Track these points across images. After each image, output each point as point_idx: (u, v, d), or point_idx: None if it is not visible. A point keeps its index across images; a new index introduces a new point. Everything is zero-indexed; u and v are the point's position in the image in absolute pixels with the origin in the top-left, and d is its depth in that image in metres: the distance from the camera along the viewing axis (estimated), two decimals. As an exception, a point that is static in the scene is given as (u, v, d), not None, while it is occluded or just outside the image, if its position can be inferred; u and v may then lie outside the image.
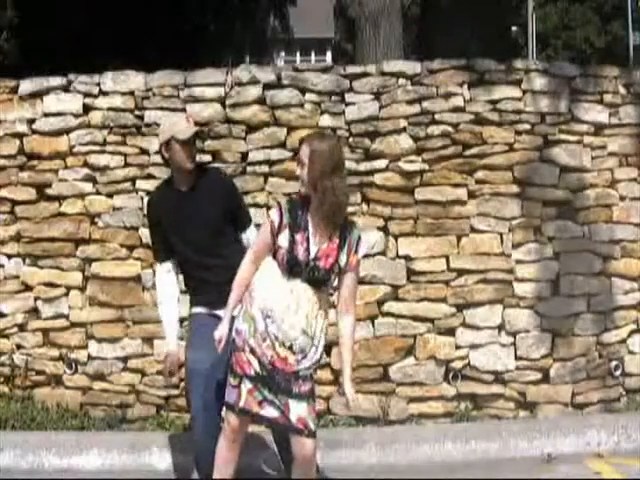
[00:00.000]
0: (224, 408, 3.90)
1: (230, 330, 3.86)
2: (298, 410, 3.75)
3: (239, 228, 4.41)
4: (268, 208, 5.61)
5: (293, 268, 3.74)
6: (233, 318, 3.90)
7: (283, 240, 3.77)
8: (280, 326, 3.72)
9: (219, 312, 4.13)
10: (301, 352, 3.76)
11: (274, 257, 3.83)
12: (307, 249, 3.75)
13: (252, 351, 3.77)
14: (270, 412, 3.77)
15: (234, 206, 4.42)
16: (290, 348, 3.74)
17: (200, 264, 4.26)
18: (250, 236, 4.39)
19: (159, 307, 4.45)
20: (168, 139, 4.30)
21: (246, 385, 3.77)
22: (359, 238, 3.85)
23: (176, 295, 4.39)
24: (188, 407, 4.41)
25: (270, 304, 3.75)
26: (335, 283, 3.92)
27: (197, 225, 4.24)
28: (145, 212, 4.76)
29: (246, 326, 3.79)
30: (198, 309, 4.33)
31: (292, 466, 3.92)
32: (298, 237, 3.75)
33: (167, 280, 4.38)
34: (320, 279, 3.77)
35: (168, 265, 4.38)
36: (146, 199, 5.71)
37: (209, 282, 4.24)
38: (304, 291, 3.75)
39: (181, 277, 4.45)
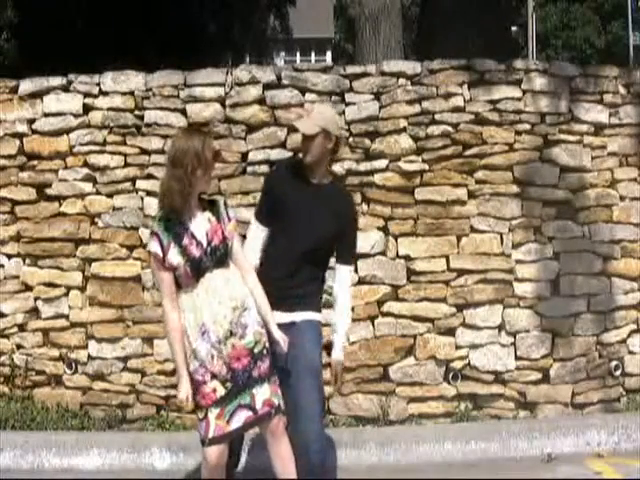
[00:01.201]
0: (201, 445, 3.85)
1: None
2: (262, 394, 3.81)
3: (339, 258, 4.22)
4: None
5: (198, 268, 3.79)
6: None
7: (173, 258, 3.78)
8: (214, 330, 3.76)
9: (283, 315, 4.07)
10: (240, 326, 3.80)
11: (177, 285, 3.82)
12: (198, 243, 3.81)
13: (213, 376, 3.78)
14: (238, 420, 3.79)
15: (349, 233, 4.25)
16: (231, 334, 3.77)
17: (289, 265, 4.09)
18: (343, 275, 4.23)
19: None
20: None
21: (212, 413, 3.77)
22: (226, 205, 3.97)
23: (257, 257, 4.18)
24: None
25: (200, 319, 3.78)
26: None
27: (314, 223, 4.07)
28: (269, 174, 4.67)
29: (196, 363, 3.79)
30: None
31: (272, 458, 3.91)
32: (185, 241, 3.81)
33: (254, 240, 4.19)
34: (223, 253, 3.85)
35: (261, 229, 4.19)
36: (147, 199, 5.74)
37: (283, 283, 4.08)
38: (214, 278, 3.81)
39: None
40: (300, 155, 4.26)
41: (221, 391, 3.78)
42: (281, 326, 3.97)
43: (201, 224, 3.86)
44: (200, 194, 3.90)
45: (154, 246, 3.81)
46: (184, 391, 3.79)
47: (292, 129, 5.69)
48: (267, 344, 3.88)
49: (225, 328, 3.78)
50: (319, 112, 4.23)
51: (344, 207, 4.23)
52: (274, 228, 4.17)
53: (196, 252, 3.80)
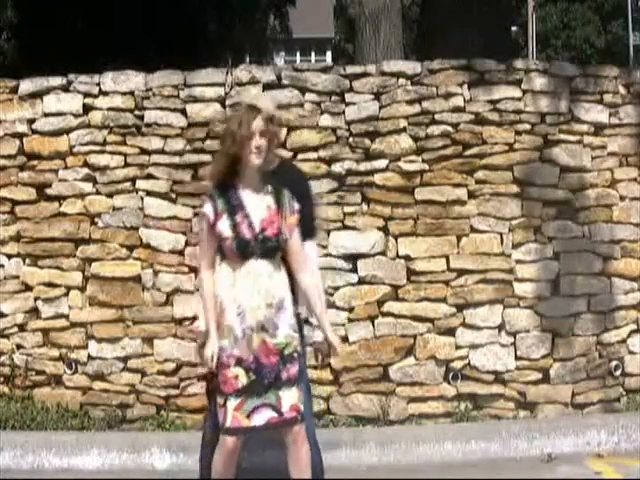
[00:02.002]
0: (220, 429, 3.84)
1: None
2: (290, 398, 3.76)
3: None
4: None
5: (244, 249, 3.76)
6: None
7: (223, 227, 3.77)
8: (250, 314, 3.73)
9: None
10: (272, 325, 3.76)
11: (221, 253, 3.82)
12: (250, 225, 3.78)
13: (238, 362, 3.76)
14: (261, 418, 3.75)
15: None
16: (263, 328, 3.74)
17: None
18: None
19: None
20: None
21: (232, 403, 3.74)
22: (290, 199, 3.90)
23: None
24: (209, 404, 4.34)
25: (239, 299, 3.76)
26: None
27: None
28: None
29: (226, 341, 3.78)
30: None
31: (289, 462, 3.90)
32: (238, 218, 3.78)
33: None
34: (273, 247, 3.81)
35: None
36: (146, 199, 5.75)
37: None
38: (259, 266, 3.77)
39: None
40: None
41: (243, 380, 3.74)
42: None
43: (259, 208, 3.82)
44: (265, 174, 3.84)
45: (207, 207, 3.80)
46: (210, 349, 3.76)
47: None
48: (299, 348, 3.84)
49: (258, 319, 3.74)
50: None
51: (295, 183, 4.14)
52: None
53: (247, 233, 3.76)
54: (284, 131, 5.75)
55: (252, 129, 3.77)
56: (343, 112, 5.78)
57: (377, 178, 5.76)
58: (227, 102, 5.78)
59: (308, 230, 4.10)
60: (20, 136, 5.87)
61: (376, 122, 5.77)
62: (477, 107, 5.80)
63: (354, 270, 5.74)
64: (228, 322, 3.77)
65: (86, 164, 5.82)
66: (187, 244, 5.71)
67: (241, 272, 3.78)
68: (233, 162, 3.81)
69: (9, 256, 5.89)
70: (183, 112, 5.77)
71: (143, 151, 5.80)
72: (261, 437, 4.27)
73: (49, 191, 5.85)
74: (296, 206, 3.90)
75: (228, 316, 3.77)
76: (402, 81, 5.81)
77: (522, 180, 5.82)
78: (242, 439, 3.83)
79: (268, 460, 4.54)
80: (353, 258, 5.74)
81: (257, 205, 3.83)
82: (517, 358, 5.79)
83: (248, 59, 17.20)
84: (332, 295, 5.67)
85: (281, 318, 3.79)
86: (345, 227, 5.75)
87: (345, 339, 5.65)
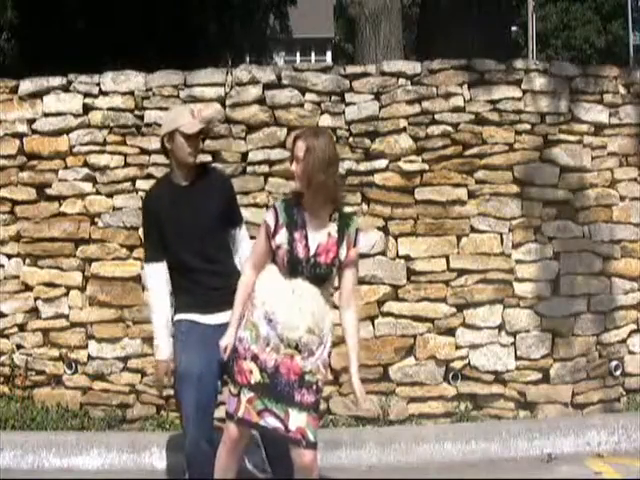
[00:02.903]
0: (225, 416, 3.89)
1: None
2: (298, 420, 3.73)
3: (232, 225, 4.37)
4: (268, 208, 5.62)
5: (294, 267, 3.75)
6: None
7: (282, 240, 3.78)
8: (284, 327, 3.72)
9: (207, 317, 4.14)
10: (308, 350, 3.75)
11: (274, 260, 3.83)
12: (306, 246, 3.76)
13: (254, 358, 3.76)
14: (270, 422, 3.75)
15: (231, 201, 4.42)
16: (296, 347, 3.74)
17: (194, 265, 4.17)
18: (241, 235, 4.39)
19: (151, 310, 4.31)
20: (172, 130, 4.25)
21: (245, 395, 3.76)
22: (357, 231, 3.86)
23: (168, 297, 4.26)
24: (178, 410, 4.38)
25: (272, 307, 3.75)
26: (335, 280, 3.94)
27: (195, 220, 4.18)
28: (142, 207, 4.60)
29: (247, 333, 3.80)
30: (185, 315, 4.21)
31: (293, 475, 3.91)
32: (296, 235, 3.77)
33: (160, 282, 4.25)
34: (322, 275, 3.78)
35: (160, 266, 4.25)
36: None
37: (201, 285, 4.17)
38: (307, 289, 3.75)
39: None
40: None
41: (257, 377, 3.74)
42: (220, 327, 3.99)
43: (319, 233, 3.79)
44: (333, 201, 3.82)
45: (269, 217, 3.82)
46: (226, 340, 3.82)
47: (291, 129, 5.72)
48: (321, 384, 3.81)
49: (293, 337, 3.72)
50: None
51: (218, 184, 4.38)
52: (166, 253, 4.23)
53: (300, 252, 3.75)
54: (284, 131, 5.76)
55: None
56: (343, 112, 5.78)
57: (377, 178, 5.76)
58: (227, 102, 5.78)
59: (238, 220, 4.42)
60: (20, 136, 5.87)
61: (376, 122, 5.77)
62: (477, 107, 5.80)
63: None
64: (254, 319, 3.78)
65: (86, 164, 5.82)
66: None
67: (284, 284, 3.77)
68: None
69: (9, 256, 5.89)
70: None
71: (143, 151, 5.80)
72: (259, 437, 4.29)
73: (49, 191, 5.85)
74: (360, 240, 3.88)
75: (255, 314, 3.78)
76: (402, 81, 5.81)
77: (522, 180, 5.82)
78: (248, 435, 3.84)
79: (267, 460, 4.53)
80: (353, 258, 5.74)
81: (318, 230, 3.80)
82: (517, 358, 5.79)
83: (248, 59, 17.21)
84: (332, 295, 5.66)
85: (317, 348, 3.78)
86: (345, 227, 5.74)
87: (344, 339, 5.64)
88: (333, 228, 3.82)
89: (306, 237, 3.77)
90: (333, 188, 3.77)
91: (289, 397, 3.73)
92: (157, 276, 4.27)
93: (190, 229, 4.18)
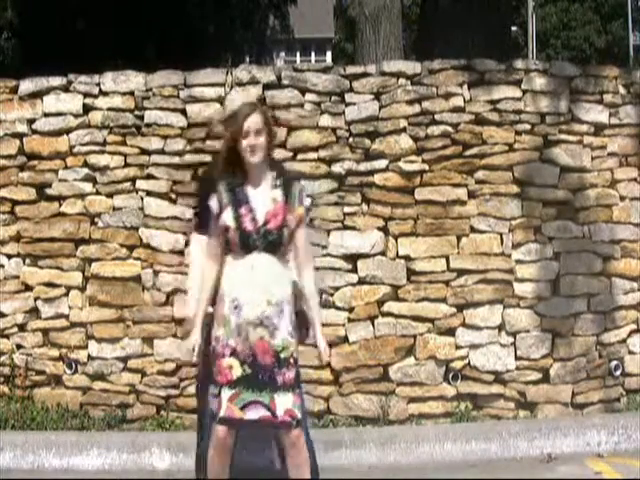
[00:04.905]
0: (211, 418, 3.89)
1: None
2: (285, 402, 3.76)
3: None
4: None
5: (246, 241, 3.78)
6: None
7: (228, 219, 3.81)
8: (247, 309, 3.74)
9: None
10: (271, 325, 3.75)
11: (226, 242, 3.84)
12: (254, 219, 3.80)
13: (233, 352, 3.77)
14: (255, 413, 3.76)
15: None
16: (261, 324, 3.74)
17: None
18: None
19: (189, 277, 4.35)
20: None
21: (226, 393, 3.76)
22: (301, 191, 3.92)
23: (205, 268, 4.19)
24: (199, 406, 4.36)
25: (235, 293, 3.78)
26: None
27: None
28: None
29: (222, 330, 3.80)
30: None
31: (289, 465, 3.91)
32: (242, 210, 3.81)
33: (199, 252, 4.24)
34: (274, 241, 3.81)
35: (203, 238, 4.21)
36: (146, 199, 5.75)
37: None
38: (263, 262, 3.78)
39: None
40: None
41: (237, 371, 3.75)
42: None
43: (264, 201, 3.84)
44: (275, 169, 3.89)
45: (213, 201, 3.86)
46: (192, 341, 3.84)
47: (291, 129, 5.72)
48: (296, 354, 3.83)
49: (257, 315, 3.74)
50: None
51: None
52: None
53: (249, 225, 3.79)
54: (284, 131, 5.76)
55: (246, 127, 3.81)
56: (343, 112, 5.78)
57: (377, 178, 5.76)
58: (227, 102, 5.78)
59: None
60: (20, 136, 5.87)
61: (376, 122, 5.77)
62: (477, 107, 5.80)
63: (354, 270, 5.74)
64: (225, 312, 3.79)
65: (86, 164, 5.82)
66: (187, 244, 5.70)
67: (242, 265, 3.80)
68: (232, 157, 3.85)
69: (9, 256, 5.89)
70: (183, 112, 5.78)
71: (143, 151, 5.79)
72: (260, 437, 4.29)
73: (49, 191, 5.85)
74: (305, 200, 3.93)
75: (225, 307, 3.79)
76: (402, 81, 5.81)
77: (522, 180, 5.82)
78: (234, 433, 3.84)
79: (266, 460, 4.53)
80: (353, 258, 5.74)
81: (263, 199, 3.85)
82: (517, 358, 5.79)
83: (248, 59, 17.20)
84: (332, 295, 5.68)
85: (280, 319, 3.78)
86: (345, 227, 5.75)
87: (345, 339, 5.65)
88: (278, 193, 3.86)
89: (251, 210, 3.82)
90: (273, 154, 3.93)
91: (272, 382, 3.75)
92: (198, 247, 4.28)
93: None
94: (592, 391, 5.89)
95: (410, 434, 5.44)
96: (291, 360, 3.80)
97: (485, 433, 5.42)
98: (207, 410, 4.13)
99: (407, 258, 5.76)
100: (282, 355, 3.77)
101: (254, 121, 3.83)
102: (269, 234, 3.79)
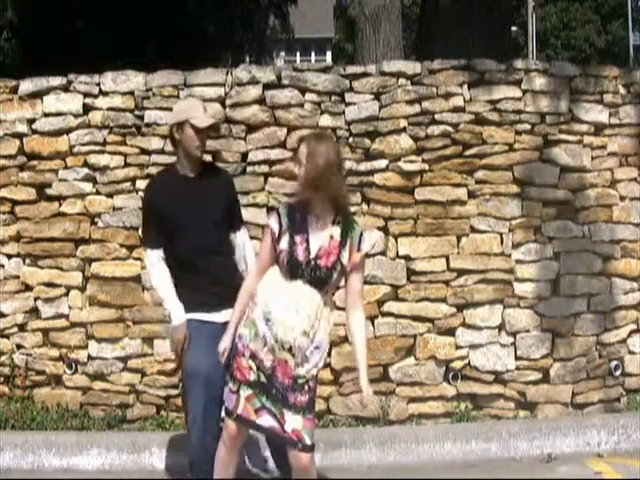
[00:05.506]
0: (223, 413, 3.91)
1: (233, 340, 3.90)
2: (293, 422, 3.75)
3: (233, 227, 4.38)
4: (268, 208, 5.63)
5: (294, 269, 3.76)
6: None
7: (284, 244, 3.80)
8: (279, 327, 3.72)
9: (214, 315, 4.14)
10: (302, 356, 3.75)
11: (277, 262, 3.85)
12: (307, 249, 3.77)
13: (252, 356, 3.78)
14: (267, 421, 3.77)
15: (233, 201, 4.45)
16: (290, 350, 3.74)
17: (196, 259, 4.16)
18: (242, 239, 4.41)
19: (159, 287, 4.28)
20: (183, 121, 4.24)
21: (244, 392, 3.78)
22: (361, 235, 3.87)
23: (169, 277, 4.24)
24: (185, 409, 4.39)
25: (270, 307, 3.76)
26: (340, 283, 3.94)
27: (201, 212, 4.18)
28: (144, 195, 4.54)
29: (247, 331, 3.81)
30: (192, 314, 4.20)
31: (291, 475, 3.92)
32: (298, 238, 3.78)
33: (161, 262, 4.25)
34: (322, 278, 3.78)
35: (160, 253, 4.24)
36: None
37: (205, 281, 4.15)
38: (306, 292, 3.76)
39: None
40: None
41: (254, 375, 3.77)
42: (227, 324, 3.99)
43: (321, 236, 3.81)
44: (336, 205, 3.83)
45: (273, 222, 3.85)
46: (224, 344, 3.87)
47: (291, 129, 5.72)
48: (313, 383, 3.82)
49: (289, 340, 3.72)
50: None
51: (223, 182, 4.43)
52: (168, 243, 4.23)
53: (300, 256, 3.76)
54: (284, 131, 5.76)
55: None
56: (343, 112, 5.78)
57: (377, 178, 5.76)
58: (227, 102, 5.78)
59: (239, 222, 4.44)
60: (20, 136, 5.87)
61: (376, 122, 5.77)
62: (477, 107, 5.80)
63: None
64: (254, 317, 3.80)
65: (86, 164, 5.82)
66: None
67: (286, 286, 3.78)
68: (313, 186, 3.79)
69: (9, 256, 5.89)
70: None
71: (143, 151, 5.80)
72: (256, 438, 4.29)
73: (49, 191, 5.85)
74: (364, 246, 3.88)
75: (255, 312, 3.80)
76: (402, 81, 5.81)
77: (522, 180, 5.82)
78: (245, 432, 3.85)
79: (266, 460, 4.54)
80: (353, 258, 5.74)
81: (320, 232, 3.81)
82: (517, 358, 5.79)
83: (248, 59, 17.21)
84: (332, 300, 5.66)
85: (313, 355, 3.78)
86: (345, 227, 5.74)
87: (345, 339, 5.65)
88: (336, 231, 3.82)
89: (307, 240, 3.79)
90: (335, 193, 3.78)
91: (284, 399, 3.76)
92: (158, 257, 4.26)
93: (195, 221, 4.17)
94: (592, 391, 5.90)
95: (410, 434, 5.44)
96: (305, 387, 3.79)
97: (485, 433, 5.42)
98: (192, 417, 4.14)
99: (407, 258, 5.77)
100: (299, 381, 3.78)
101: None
102: (318, 269, 3.77)
